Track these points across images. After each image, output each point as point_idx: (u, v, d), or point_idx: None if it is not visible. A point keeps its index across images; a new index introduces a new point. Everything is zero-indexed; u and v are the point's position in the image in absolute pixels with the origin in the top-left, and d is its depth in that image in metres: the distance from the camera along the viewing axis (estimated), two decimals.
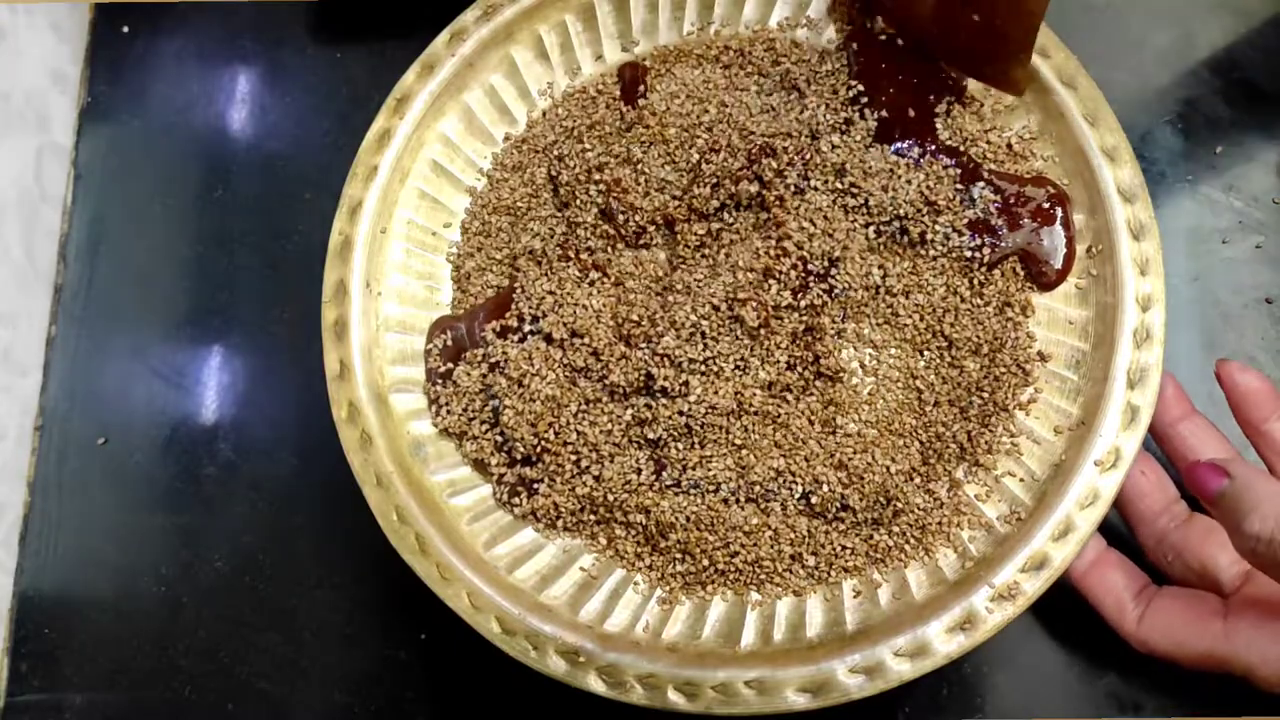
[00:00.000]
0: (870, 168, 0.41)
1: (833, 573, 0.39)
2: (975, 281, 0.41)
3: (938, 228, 0.40)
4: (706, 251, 0.42)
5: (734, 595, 0.39)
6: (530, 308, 0.42)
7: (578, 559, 0.41)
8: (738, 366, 0.40)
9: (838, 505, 0.39)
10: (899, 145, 0.41)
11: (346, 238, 0.43)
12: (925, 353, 0.41)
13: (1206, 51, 0.50)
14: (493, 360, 0.42)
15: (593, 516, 0.41)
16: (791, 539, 0.39)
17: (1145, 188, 0.40)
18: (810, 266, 0.40)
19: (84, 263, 0.53)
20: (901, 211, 0.40)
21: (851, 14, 0.44)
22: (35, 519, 0.50)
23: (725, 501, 0.40)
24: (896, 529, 0.39)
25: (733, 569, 0.39)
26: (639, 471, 0.40)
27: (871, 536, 0.39)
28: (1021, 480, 0.39)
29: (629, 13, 0.46)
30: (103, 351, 0.52)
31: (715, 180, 0.42)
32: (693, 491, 0.40)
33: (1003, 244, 0.40)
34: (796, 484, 0.39)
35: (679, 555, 0.39)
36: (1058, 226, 0.41)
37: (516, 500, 0.41)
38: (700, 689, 0.36)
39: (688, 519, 0.39)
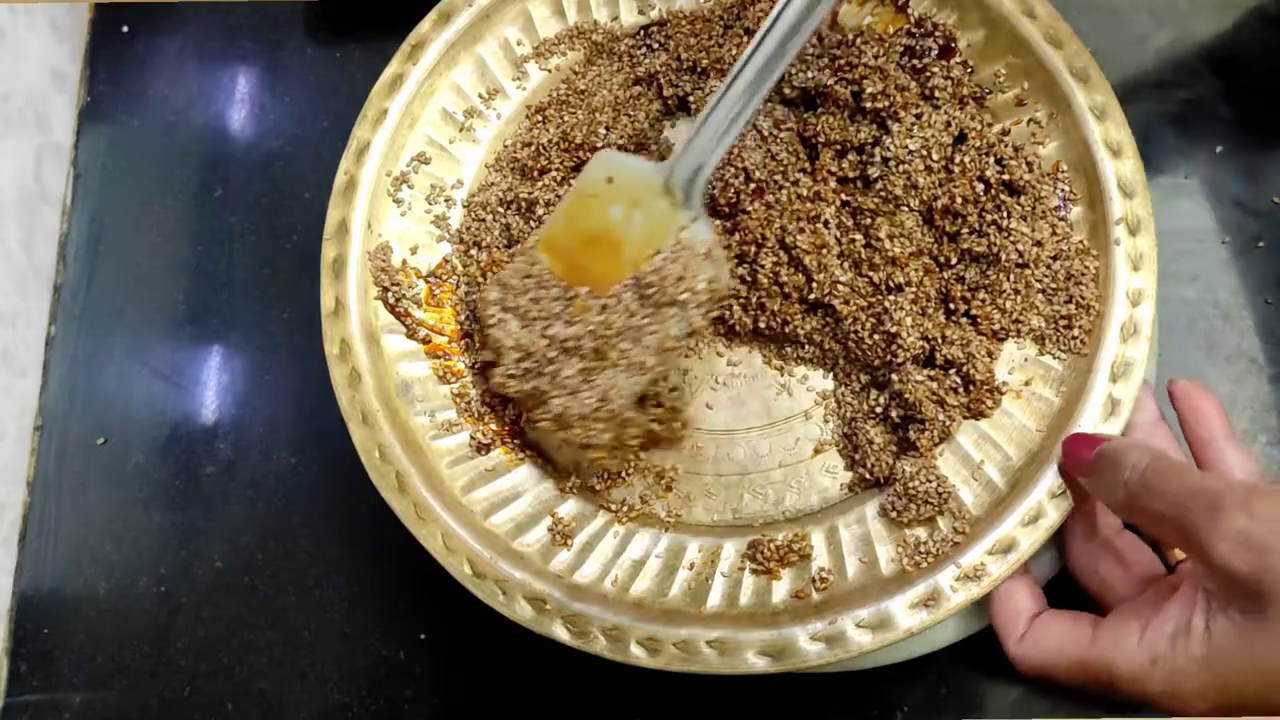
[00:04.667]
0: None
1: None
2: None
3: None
4: None
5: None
6: None
7: (555, 508, 0.41)
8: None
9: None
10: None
11: (351, 178, 0.43)
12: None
13: (1207, 51, 0.50)
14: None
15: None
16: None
17: (1145, 184, 0.40)
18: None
19: (83, 263, 0.53)
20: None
21: None
22: (35, 519, 0.50)
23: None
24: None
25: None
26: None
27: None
28: (998, 465, 0.39)
29: None
30: (102, 351, 0.52)
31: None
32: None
33: None
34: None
35: None
36: None
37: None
38: (662, 645, 0.37)
39: None
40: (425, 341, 0.43)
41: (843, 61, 0.42)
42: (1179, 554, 0.37)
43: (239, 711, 0.46)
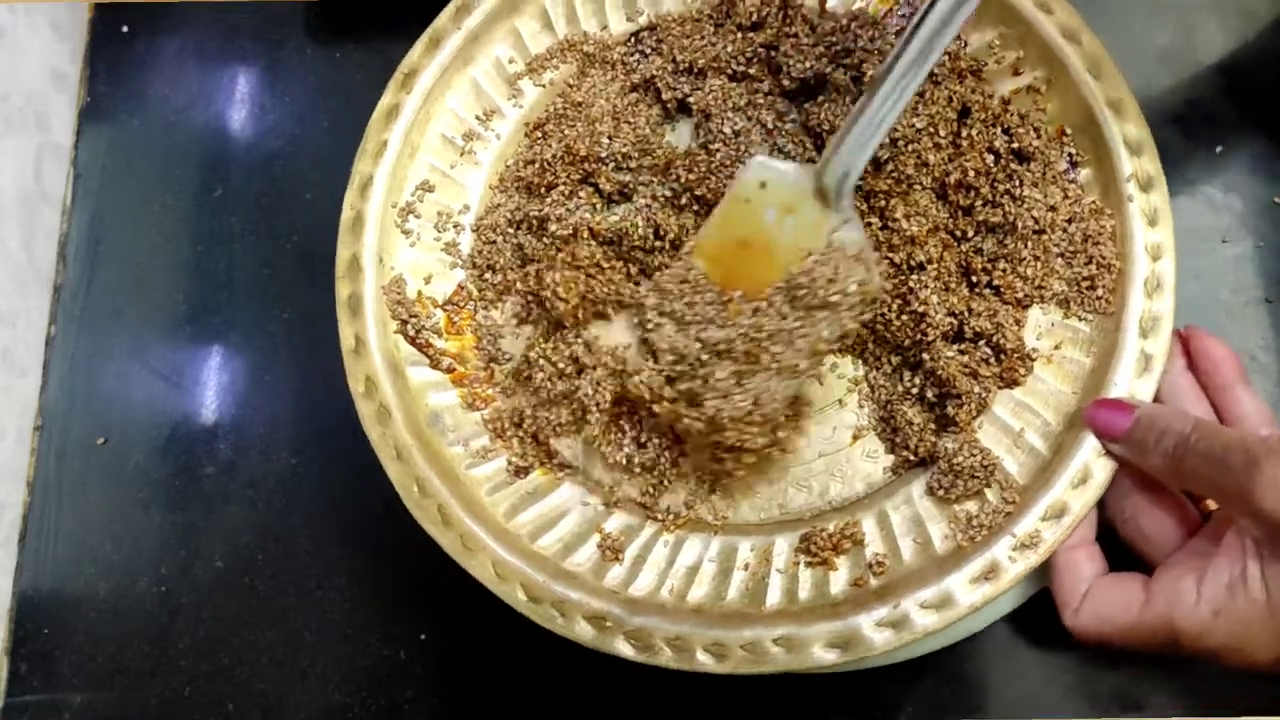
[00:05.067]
0: None
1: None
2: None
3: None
4: None
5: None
6: None
7: (601, 523, 0.40)
8: None
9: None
10: None
11: (358, 213, 0.43)
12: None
13: (1207, 51, 0.50)
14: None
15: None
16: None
17: (1152, 140, 0.40)
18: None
19: (83, 263, 0.53)
20: None
21: None
22: (35, 519, 0.50)
23: None
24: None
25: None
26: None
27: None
28: (1038, 431, 0.39)
29: None
30: (102, 351, 0.52)
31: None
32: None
33: None
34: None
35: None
36: None
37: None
38: (729, 649, 0.36)
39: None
40: (449, 370, 0.43)
41: (839, 48, 0.42)
42: (1212, 503, 0.37)
43: (239, 711, 0.46)
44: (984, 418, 0.40)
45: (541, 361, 0.42)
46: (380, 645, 0.46)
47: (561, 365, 0.41)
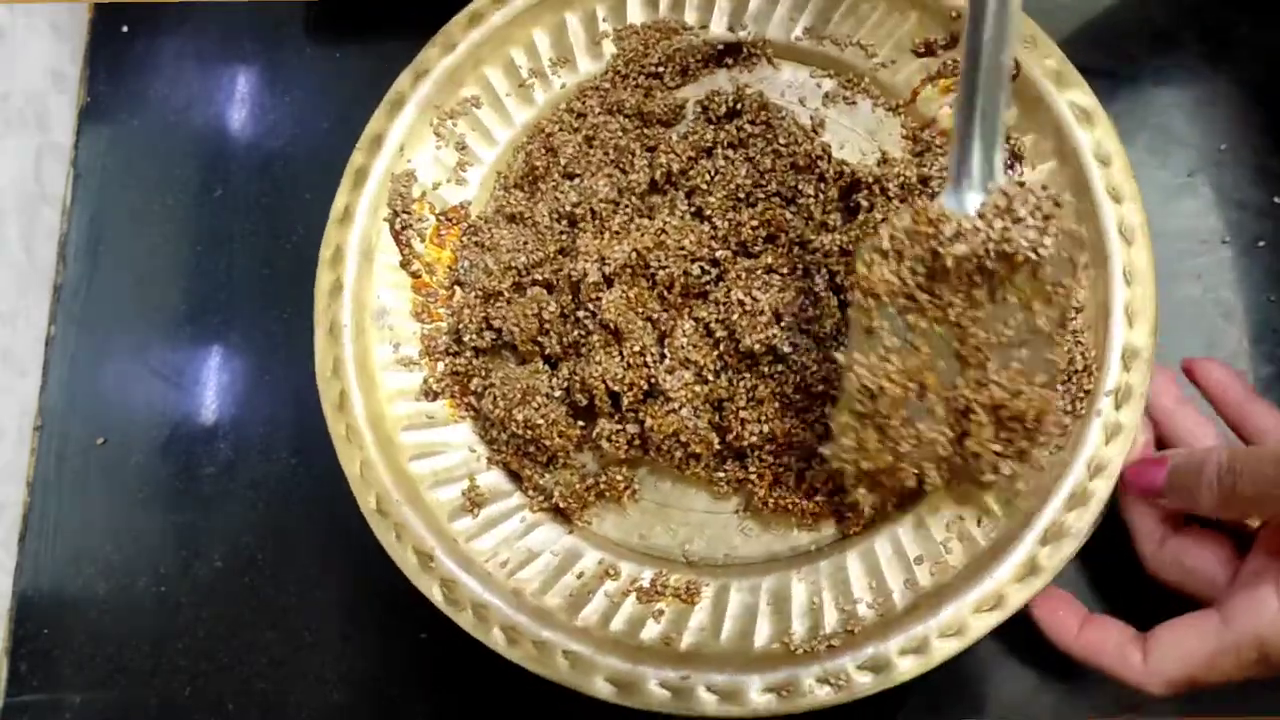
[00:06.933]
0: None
1: None
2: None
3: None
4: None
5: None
6: None
7: (476, 474, 0.41)
8: None
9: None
10: None
11: (401, 96, 0.44)
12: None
13: (1210, 48, 0.49)
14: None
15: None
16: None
17: (1151, 355, 0.38)
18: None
19: (83, 263, 0.53)
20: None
21: None
22: (34, 519, 0.50)
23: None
24: None
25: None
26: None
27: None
28: (902, 584, 0.38)
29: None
30: (102, 351, 0.52)
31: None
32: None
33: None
34: None
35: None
36: None
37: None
38: (521, 639, 0.37)
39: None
40: (415, 275, 0.43)
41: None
42: (1254, 522, 0.37)
43: (239, 711, 0.46)
44: (870, 543, 0.39)
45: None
46: (380, 645, 0.46)
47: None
